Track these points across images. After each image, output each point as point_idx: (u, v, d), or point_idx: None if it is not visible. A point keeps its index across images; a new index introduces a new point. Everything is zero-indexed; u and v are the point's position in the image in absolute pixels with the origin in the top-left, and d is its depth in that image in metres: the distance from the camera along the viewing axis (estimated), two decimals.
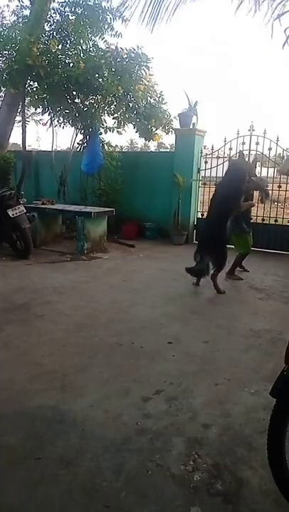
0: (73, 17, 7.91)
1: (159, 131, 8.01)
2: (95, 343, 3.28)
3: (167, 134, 8.02)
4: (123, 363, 2.97)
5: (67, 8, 8.01)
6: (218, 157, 7.61)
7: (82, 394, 2.54)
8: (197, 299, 4.57)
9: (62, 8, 8.06)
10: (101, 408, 2.39)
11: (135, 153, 14.41)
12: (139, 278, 5.24)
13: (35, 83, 7.40)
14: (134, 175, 8.16)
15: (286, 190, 6.99)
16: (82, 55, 7.21)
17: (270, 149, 6.98)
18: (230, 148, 7.27)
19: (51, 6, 8.17)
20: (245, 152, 7.22)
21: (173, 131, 8.02)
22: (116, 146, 9.34)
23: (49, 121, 8.07)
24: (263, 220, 7.06)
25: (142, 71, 7.07)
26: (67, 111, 7.57)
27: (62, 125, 7.94)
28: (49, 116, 7.88)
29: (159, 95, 7.57)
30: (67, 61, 6.97)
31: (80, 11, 7.95)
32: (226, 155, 7.47)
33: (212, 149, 7.65)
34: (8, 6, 9.18)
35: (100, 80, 6.69)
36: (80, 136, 8.11)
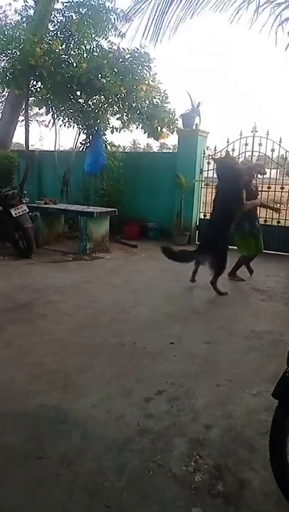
0: (77, 17, 7.92)
1: (164, 130, 8.01)
2: (97, 343, 3.29)
3: (172, 133, 8.01)
4: (125, 363, 2.98)
5: (71, 9, 8.03)
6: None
7: (84, 394, 2.54)
8: (199, 300, 4.57)
9: (66, 9, 8.08)
10: (103, 408, 2.40)
11: (138, 154, 14.42)
12: (141, 278, 5.25)
13: (39, 83, 7.42)
14: (136, 175, 8.17)
15: None
16: (85, 55, 7.23)
17: (272, 150, 6.97)
18: (233, 150, 7.26)
19: (55, 6, 8.20)
20: (248, 153, 7.25)
21: (176, 131, 8.02)
22: (118, 146, 9.36)
23: (52, 122, 8.10)
24: (266, 221, 7.05)
25: (145, 71, 7.07)
26: (71, 111, 7.59)
27: (66, 125, 7.96)
28: (52, 117, 7.90)
29: (163, 94, 7.57)
30: (70, 61, 6.99)
31: (83, 11, 7.97)
32: None
33: (215, 150, 7.65)
34: (10, 4, 9.19)
35: (103, 80, 6.70)
36: (83, 136, 8.14)
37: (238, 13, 3.61)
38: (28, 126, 8.16)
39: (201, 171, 7.82)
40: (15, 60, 6.99)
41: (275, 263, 6.27)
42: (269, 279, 5.41)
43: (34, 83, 7.55)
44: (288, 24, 3.60)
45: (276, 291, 4.91)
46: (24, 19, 8.28)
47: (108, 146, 8.23)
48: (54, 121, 8.03)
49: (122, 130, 7.98)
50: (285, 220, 7.12)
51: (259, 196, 5.56)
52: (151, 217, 8.04)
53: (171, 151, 18.16)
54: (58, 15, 8.12)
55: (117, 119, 7.72)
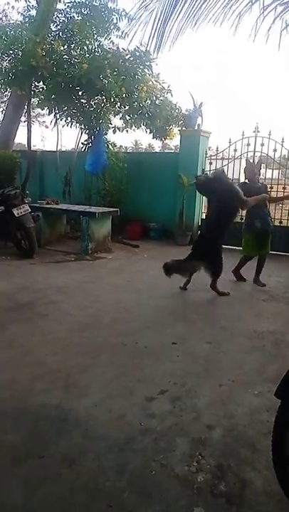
0: (79, 17, 7.93)
1: (172, 128, 8.02)
2: (99, 343, 3.28)
3: (179, 128, 7.98)
4: (127, 362, 2.97)
5: (73, 9, 8.04)
6: (222, 158, 7.61)
7: (86, 393, 2.54)
8: (201, 300, 4.56)
9: (69, 9, 8.10)
10: (104, 408, 2.39)
11: (140, 154, 14.44)
12: (143, 278, 5.24)
13: (41, 83, 7.44)
14: (138, 175, 8.16)
15: None
16: (86, 55, 7.24)
17: (275, 151, 6.96)
18: (235, 150, 7.26)
19: (57, 6, 8.21)
20: (250, 154, 7.23)
21: (178, 131, 8.02)
22: (120, 146, 9.38)
23: (53, 122, 8.11)
24: (281, 222, 7.03)
25: (146, 70, 7.08)
26: (74, 111, 7.60)
27: (68, 125, 7.97)
28: (54, 118, 7.91)
29: (167, 90, 7.56)
30: (72, 61, 6.99)
31: (85, 12, 7.98)
32: (230, 156, 7.46)
33: (217, 150, 7.64)
34: (8, 3, 9.23)
35: (104, 80, 6.71)
36: (84, 137, 8.15)
37: (239, 18, 3.60)
38: (31, 126, 8.18)
39: (203, 171, 7.80)
40: (17, 61, 7.01)
41: (277, 263, 6.25)
42: (271, 279, 5.39)
43: (36, 84, 7.57)
44: None
45: (278, 292, 4.90)
46: (26, 19, 8.30)
47: (110, 146, 8.23)
48: (56, 121, 8.05)
49: (125, 130, 8.01)
50: (287, 220, 7.10)
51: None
52: (153, 217, 8.03)
53: (173, 151, 18.16)
54: (60, 15, 8.13)
55: (120, 118, 7.73)
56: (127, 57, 6.95)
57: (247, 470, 1.94)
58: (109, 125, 7.98)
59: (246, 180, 5.24)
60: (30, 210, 6.11)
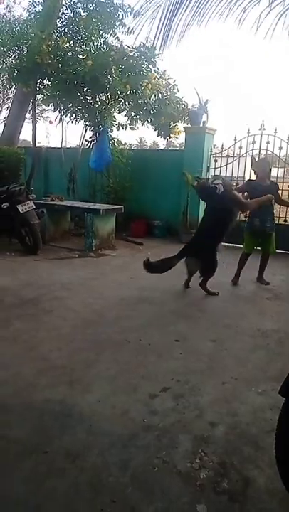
0: (85, 13, 7.91)
1: (177, 124, 7.99)
2: (103, 340, 3.29)
3: (185, 126, 7.95)
4: (130, 359, 2.98)
5: (79, 5, 8.01)
6: (227, 156, 7.57)
7: (90, 389, 2.55)
8: (205, 298, 4.56)
9: (74, 5, 8.07)
10: (108, 404, 2.40)
11: (144, 151, 14.39)
12: (146, 276, 5.21)
13: (46, 80, 7.43)
14: (143, 172, 8.15)
15: None
16: (92, 52, 7.22)
17: (280, 149, 6.92)
18: (240, 147, 7.23)
19: (63, 2, 8.18)
20: (255, 151, 7.20)
21: (184, 128, 8.00)
22: (125, 143, 9.36)
23: (58, 119, 8.10)
24: (286, 220, 7.00)
25: (151, 66, 7.05)
26: (79, 107, 7.59)
27: (73, 121, 7.96)
28: (58, 114, 7.91)
29: (172, 86, 7.53)
30: (77, 58, 6.98)
31: (91, 7, 7.95)
32: (235, 154, 7.43)
33: (222, 148, 7.61)
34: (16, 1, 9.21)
35: (109, 77, 6.69)
36: (89, 133, 8.14)
37: (244, 13, 3.59)
38: (36, 123, 8.18)
39: (208, 169, 7.79)
40: (22, 57, 7.01)
41: (281, 262, 6.23)
42: (275, 277, 5.38)
43: (41, 80, 7.56)
44: None
45: (282, 290, 4.89)
46: (32, 15, 8.27)
47: (115, 143, 8.22)
48: (61, 118, 8.04)
49: (129, 127, 8.00)
50: None
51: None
52: (158, 215, 8.03)
53: (177, 148, 18.11)
54: (66, 11, 8.11)
55: (125, 115, 7.72)
56: (131, 54, 6.92)
57: (250, 468, 1.95)
58: (114, 122, 7.96)
59: (255, 178, 5.15)
60: (34, 207, 6.12)
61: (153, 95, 7.28)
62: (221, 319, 3.89)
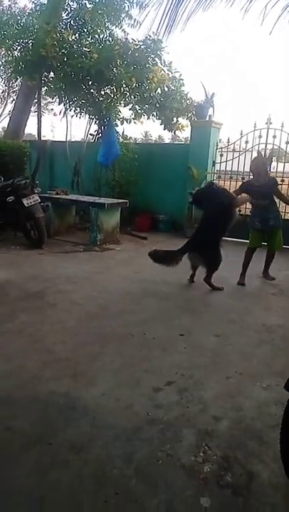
0: (91, 5, 7.83)
1: (181, 120, 7.93)
2: (107, 333, 3.30)
3: (189, 121, 7.90)
4: (135, 353, 2.98)
5: None
6: (233, 150, 7.51)
7: (94, 382, 2.56)
8: (210, 292, 4.54)
9: None
10: (112, 397, 2.41)
11: (150, 145, 14.35)
12: (151, 270, 5.22)
13: (51, 73, 7.39)
14: (148, 167, 8.12)
15: None
16: (97, 45, 7.16)
17: (287, 143, 6.85)
18: (247, 142, 7.16)
19: None
20: (262, 146, 7.13)
21: (189, 122, 7.94)
22: (130, 138, 9.32)
23: (63, 112, 8.07)
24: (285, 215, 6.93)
25: (157, 59, 6.98)
26: (83, 101, 7.55)
27: (77, 115, 7.93)
28: (63, 107, 7.87)
29: (178, 79, 7.46)
30: (82, 51, 6.92)
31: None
32: (242, 148, 7.37)
33: (228, 142, 7.55)
34: None
35: (114, 70, 6.64)
36: (94, 127, 8.11)
37: (250, 3, 3.53)
38: (41, 116, 8.15)
39: (214, 163, 7.74)
40: (27, 50, 6.97)
41: (287, 257, 6.19)
42: (281, 273, 5.35)
43: (46, 73, 7.52)
44: None
45: (288, 286, 4.86)
46: (37, 7, 8.22)
47: (120, 137, 8.18)
48: (66, 111, 8.01)
49: (134, 121, 7.95)
50: None
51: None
52: (163, 209, 8.00)
53: (183, 142, 18.01)
54: (71, 3, 8.04)
55: (130, 109, 7.67)
56: (137, 47, 6.86)
57: (254, 462, 1.94)
58: (118, 116, 7.91)
59: (251, 177, 5.11)
60: (39, 201, 6.13)
61: (158, 89, 7.22)
62: (226, 314, 3.88)
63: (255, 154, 7.27)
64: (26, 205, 5.85)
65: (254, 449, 2.03)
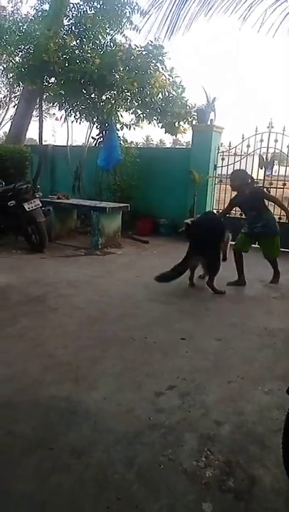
0: (92, 11, 7.91)
1: (182, 124, 7.97)
2: (109, 337, 3.29)
3: (190, 125, 7.94)
4: (136, 357, 2.98)
5: (86, 3, 8.02)
6: (235, 154, 7.53)
7: (95, 386, 2.55)
8: (211, 296, 4.54)
9: (82, 3, 8.08)
10: (114, 401, 2.40)
11: (151, 149, 14.38)
12: (152, 274, 5.21)
13: (52, 78, 7.44)
14: (149, 171, 8.13)
15: None
16: (99, 50, 7.22)
17: None
18: (248, 146, 7.18)
19: (70, 0, 8.20)
20: (263, 150, 7.15)
21: (191, 126, 7.97)
22: (131, 142, 9.36)
23: (64, 116, 8.12)
24: (280, 218, 6.93)
25: (159, 64, 7.03)
26: (83, 106, 7.60)
27: (78, 120, 7.97)
28: (65, 112, 7.91)
29: (179, 85, 7.51)
30: (84, 56, 6.98)
31: (98, 5, 7.96)
32: (243, 152, 7.39)
33: (229, 146, 7.56)
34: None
35: (116, 75, 6.68)
36: (95, 131, 8.15)
37: (249, 10, 3.56)
38: (42, 121, 8.21)
39: (215, 167, 7.75)
40: (29, 56, 7.03)
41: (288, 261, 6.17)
42: (282, 277, 5.32)
43: (48, 79, 7.58)
44: None
45: None
46: (39, 13, 8.31)
47: (121, 142, 8.21)
48: (66, 116, 8.05)
49: (134, 126, 8.00)
50: None
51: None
52: (164, 213, 8.00)
53: (184, 147, 18.07)
54: (72, 9, 8.12)
55: (131, 113, 7.71)
56: (139, 53, 6.91)
57: (256, 467, 1.93)
58: (119, 120, 7.95)
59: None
60: (41, 205, 6.14)
61: (160, 94, 7.27)
62: (228, 318, 3.87)
63: (256, 158, 7.32)
64: (28, 210, 5.87)
65: (256, 454, 2.02)
